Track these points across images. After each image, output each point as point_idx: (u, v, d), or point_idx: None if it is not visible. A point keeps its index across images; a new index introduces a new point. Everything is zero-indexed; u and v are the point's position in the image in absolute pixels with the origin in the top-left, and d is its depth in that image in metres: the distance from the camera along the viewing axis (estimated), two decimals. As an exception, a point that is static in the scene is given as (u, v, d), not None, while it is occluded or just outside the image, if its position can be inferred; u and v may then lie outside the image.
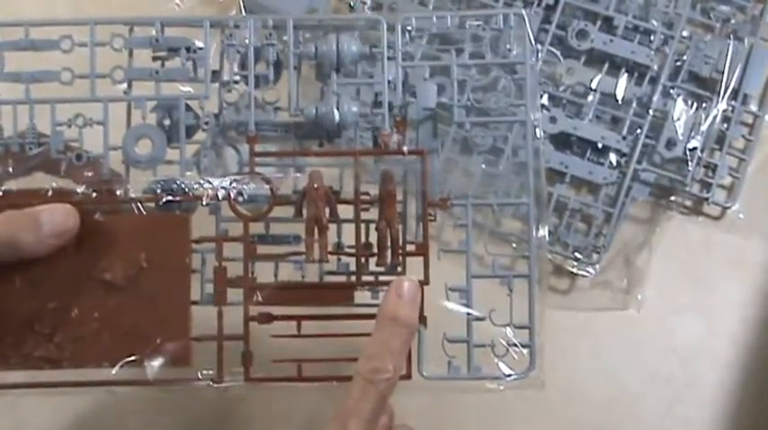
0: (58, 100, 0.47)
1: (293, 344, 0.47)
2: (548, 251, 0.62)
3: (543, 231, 0.50)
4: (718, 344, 0.62)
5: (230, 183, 0.47)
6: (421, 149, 0.48)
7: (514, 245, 0.61)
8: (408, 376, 0.47)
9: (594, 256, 0.62)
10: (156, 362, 0.46)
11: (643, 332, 0.62)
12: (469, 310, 0.48)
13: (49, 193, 0.47)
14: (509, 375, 0.48)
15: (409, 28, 0.49)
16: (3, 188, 0.47)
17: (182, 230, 0.47)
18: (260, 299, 0.47)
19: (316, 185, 0.47)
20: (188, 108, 0.48)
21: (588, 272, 0.62)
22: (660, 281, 0.63)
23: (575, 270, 0.62)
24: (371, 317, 0.46)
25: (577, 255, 0.62)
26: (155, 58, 0.48)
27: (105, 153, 0.47)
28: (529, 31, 0.49)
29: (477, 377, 0.48)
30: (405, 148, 0.48)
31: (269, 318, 0.47)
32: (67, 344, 0.46)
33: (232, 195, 0.47)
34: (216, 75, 0.48)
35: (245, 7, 0.62)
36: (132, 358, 0.46)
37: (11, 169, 0.47)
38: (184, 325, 0.46)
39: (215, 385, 0.47)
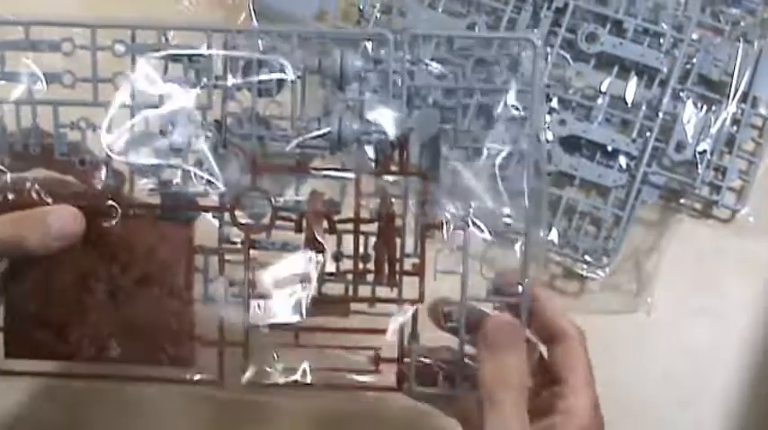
0: (61, 102, 0.47)
1: (292, 353, 0.49)
2: (557, 254, 0.62)
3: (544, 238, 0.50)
4: (728, 346, 0.63)
5: (232, 196, 0.47)
6: (422, 171, 0.48)
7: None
8: (399, 388, 0.49)
9: (604, 259, 0.62)
10: (161, 363, 0.48)
11: (653, 335, 0.62)
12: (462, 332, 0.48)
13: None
14: None
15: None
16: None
17: (185, 237, 0.48)
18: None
19: (315, 208, 0.47)
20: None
21: (598, 275, 0.62)
22: (670, 284, 0.63)
23: (584, 273, 0.62)
24: (367, 331, 0.48)
25: (587, 257, 0.62)
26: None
27: (108, 159, 0.47)
28: (536, 58, 0.47)
29: (466, 392, 0.48)
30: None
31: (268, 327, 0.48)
32: (75, 341, 0.48)
33: (234, 206, 0.47)
34: (219, 81, 0.48)
35: (254, 10, 0.62)
36: (137, 357, 0.48)
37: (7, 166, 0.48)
38: (188, 328, 0.48)
39: (216, 387, 0.48)
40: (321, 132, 0.47)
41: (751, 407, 0.62)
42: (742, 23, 0.63)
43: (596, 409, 0.48)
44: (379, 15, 0.62)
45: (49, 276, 0.47)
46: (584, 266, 0.62)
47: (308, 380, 0.49)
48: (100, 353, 0.48)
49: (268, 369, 0.49)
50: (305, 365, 0.49)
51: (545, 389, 0.48)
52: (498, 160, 0.47)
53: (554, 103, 0.62)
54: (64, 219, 0.46)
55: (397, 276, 0.48)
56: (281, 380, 0.48)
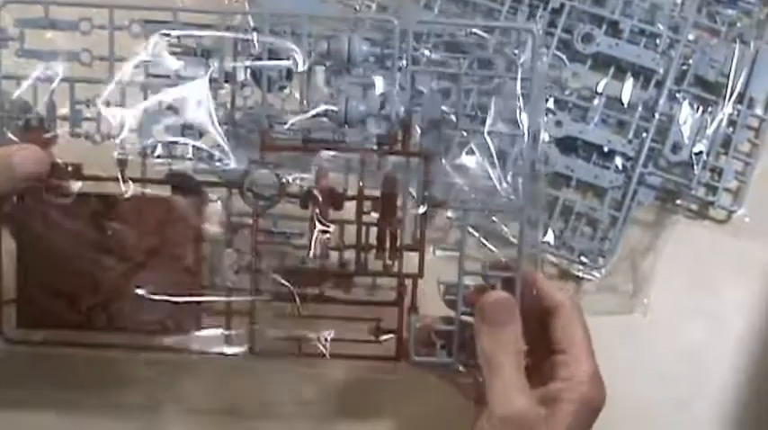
0: (78, 79, 0.49)
1: (296, 325, 0.52)
2: (553, 255, 0.62)
3: (537, 235, 0.53)
4: (724, 347, 0.63)
5: (241, 171, 0.49)
6: (424, 152, 0.50)
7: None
8: (398, 358, 0.52)
9: (600, 260, 0.62)
10: (169, 332, 0.51)
11: (649, 336, 0.62)
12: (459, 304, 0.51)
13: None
14: None
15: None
16: None
17: (194, 211, 0.50)
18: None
19: (321, 182, 0.49)
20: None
21: (594, 276, 0.62)
22: (666, 284, 0.63)
23: (580, 274, 0.62)
24: (368, 303, 0.53)
25: (583, 259, 0.62)
26: (172, 53, 0.50)
27: (123, 136, 0.49)
28: (536, 47, 0.49)
29: (461, 362, 0.51)
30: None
31: (273, 298, 0.52)
32: (86, 311, 0.51)
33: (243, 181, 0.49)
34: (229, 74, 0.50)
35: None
36: (149, 326, 0.51)
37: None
38: (196, 298, 0.51)
39: (223, 354, 0.52)
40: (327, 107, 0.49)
41: (747, 407, 0.62)
42: (738, 24, 0.63)
43: (597, 378, 0.49)
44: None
45: (61, 247, 0.50)
46: (581, 267, 0.62)
47: (311, 349, 0.52)
48: (110, 322, 0.51)
49: (273, 337, 0.52)
50: (308, 334, 0.52)
51: (547, 360, 0.50)
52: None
53: (550, 104, 0.62)
54: (29, 161, 0.48)
55: (398, 252, 0.51)
56: (286, 349, 0.52)
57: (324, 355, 0.52)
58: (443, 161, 0.51)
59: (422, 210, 0.51)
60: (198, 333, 0.51)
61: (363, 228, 0.51)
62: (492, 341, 0.48)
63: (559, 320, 0.50)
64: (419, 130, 0.51)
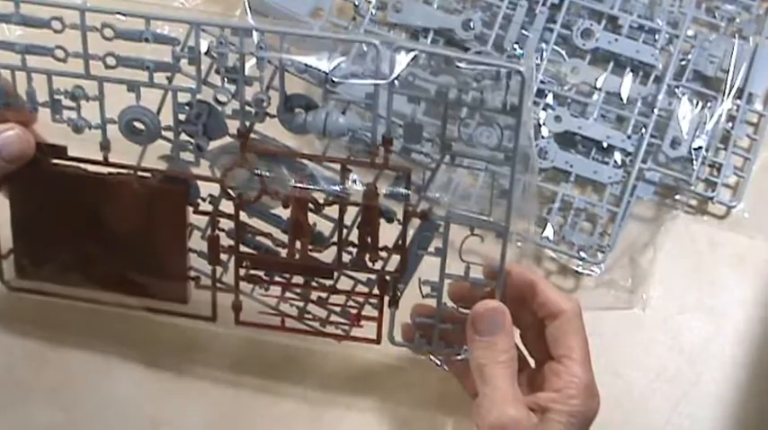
0: (54, 72, 0.49)
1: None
2: (553, 250, 0.62)
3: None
4: (723, 342, 0.63)
5: (223, 170, 0.51)
6: (407, 167, 0.50)
7: (519, 244, 0.60)
8: (378, 341, 0.54)
9: (599, 256, 0.62)
10: (159, 298, 0.54)
11: (648, 331, 0.62)
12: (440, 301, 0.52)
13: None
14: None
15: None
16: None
17: (181, 194, 0.52)
18: (249, 264, 0.53)
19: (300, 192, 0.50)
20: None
21: (593, 271, 0.62)
22: (665, 280, 0.63)
23: (580, 269, 0.62)
24: (351, 293, 0.54)
25: (582, 254, 0.62)
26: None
27: (103, 129, 0.50)
28: (525, 87, 0.47)
29: (439, 351, 0.53)
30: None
31: (257, 280, 0.53)
32: (80, 273, 0.53)
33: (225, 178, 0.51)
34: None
35: (249, 6, 0.62)
36: (137, 293, 0.54)
37: None
38: (183, 271, 0.54)
39: (210, 322, 0.55)
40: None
41: (746, 403, 0.62)
42: (737, 19, 0.63)
43: (590, 390, 0.50)
44: (374, 11, 0.62)
45: (56, 215, 0.52)
46: (580, 263, 0.62)
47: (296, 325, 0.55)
48: (103, 284, 0.54)
49: (257, 311, 0.54)
50: (293, 311, 0.55)
51: (544, 364, 0.51)
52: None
53: (549, 100, 0.62)
54: (14, 144, 0.49)
55: (380, 252, 0.52)
56: (268, 322, 0.54)
57: (306, 332, 0.55)
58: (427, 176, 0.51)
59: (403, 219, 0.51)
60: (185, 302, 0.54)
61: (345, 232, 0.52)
62: (483, 351, 0.49)
63: (557, 328, 0.50)
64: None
